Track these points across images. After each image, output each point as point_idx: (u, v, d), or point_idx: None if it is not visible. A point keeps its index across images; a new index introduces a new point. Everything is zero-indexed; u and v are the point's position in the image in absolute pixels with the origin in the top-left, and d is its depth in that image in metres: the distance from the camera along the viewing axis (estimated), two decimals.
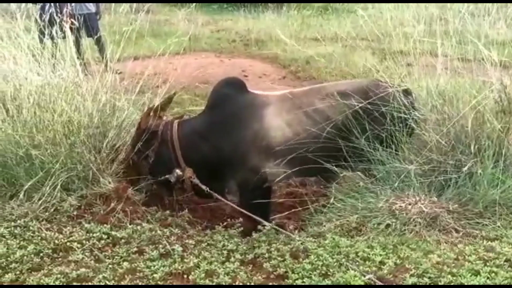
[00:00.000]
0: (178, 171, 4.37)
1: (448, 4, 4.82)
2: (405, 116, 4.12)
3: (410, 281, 2.98)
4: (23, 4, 5.33)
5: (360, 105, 4.13)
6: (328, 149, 4.14)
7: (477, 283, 2.95)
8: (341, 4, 16.40)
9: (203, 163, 4.40)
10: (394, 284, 3.00)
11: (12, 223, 3.71)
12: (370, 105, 4.12)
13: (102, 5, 10.23)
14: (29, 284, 3.08)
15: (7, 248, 3.39)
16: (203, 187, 4.30)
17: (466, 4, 4.66)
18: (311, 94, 4.43)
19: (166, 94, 5.03)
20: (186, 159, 4.40)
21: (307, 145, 4.15)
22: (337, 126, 4.18)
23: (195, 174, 4.37)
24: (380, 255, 3.28)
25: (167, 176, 4.38)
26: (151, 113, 4.44)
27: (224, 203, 4.51)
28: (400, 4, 5.33)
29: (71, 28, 5.19)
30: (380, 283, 2.97)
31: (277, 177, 4.30)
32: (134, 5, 5.88)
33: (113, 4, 6.09)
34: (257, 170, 4.28)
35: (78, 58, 5.11)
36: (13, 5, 5.11)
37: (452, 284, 2.96)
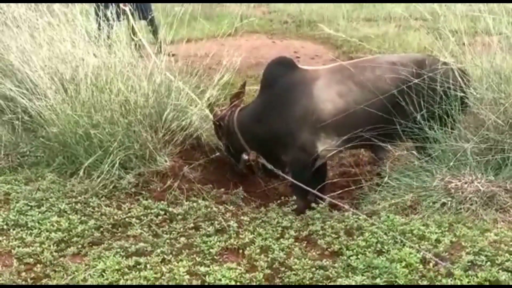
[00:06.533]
0: (244, 156, 4.61)
1: None
2: (460, 94, 4.06)
3: (466, 259, 2.95)
4: None
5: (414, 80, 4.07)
6: (378, 120, 4.07)
7: None
8: None
9: (261, 145, 4.56)
10: (450, 261, 2.98)
11: (73, 199, 3.84)
12: (424, 78, 4.06)
13: None
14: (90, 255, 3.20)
15: (69, 223, 3.52)
16: (269, 166, 4.50)
17: None
18: (362, 65, 4.39)
19: (220, 76, 5.08)
20: (248, 143, 4.59)
21: (357, 116, 4.15)
22: (389, 97, 4.10)
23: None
24: (436, 233, 3.26)
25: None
26: (215, 107, 4.80)
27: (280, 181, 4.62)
28: None
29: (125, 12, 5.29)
30: (436, 260, 2.96)
31: (328, 152, 4.35)
32: None
33: None
34: (307, 148, 4.32)
35: (132, 40, 5.20)
36: None
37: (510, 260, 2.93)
